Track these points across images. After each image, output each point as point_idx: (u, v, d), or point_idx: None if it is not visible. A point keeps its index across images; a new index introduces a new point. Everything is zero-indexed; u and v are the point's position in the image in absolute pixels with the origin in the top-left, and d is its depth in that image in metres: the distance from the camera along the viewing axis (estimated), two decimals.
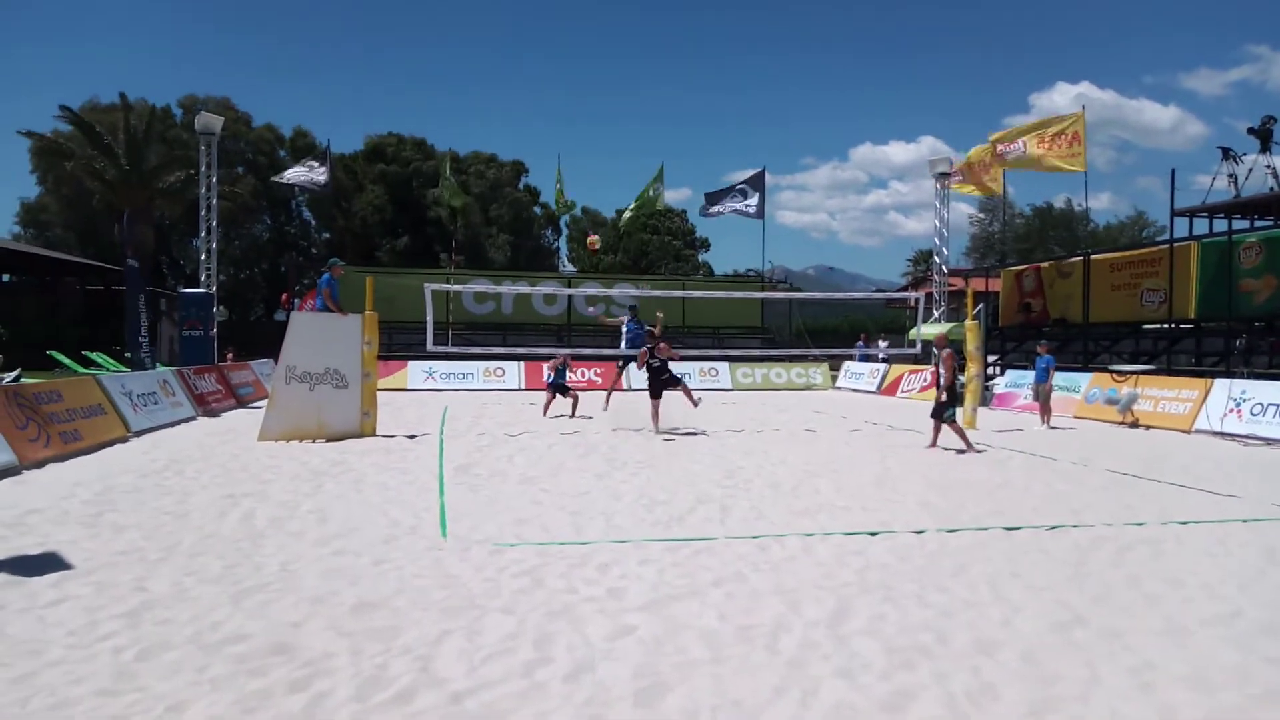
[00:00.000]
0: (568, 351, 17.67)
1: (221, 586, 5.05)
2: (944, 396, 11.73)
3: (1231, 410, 14.09)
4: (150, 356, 16.93)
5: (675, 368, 13.89)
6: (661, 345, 13.69)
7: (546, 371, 16.81)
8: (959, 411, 12.39)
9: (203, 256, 21.63)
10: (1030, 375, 19.29)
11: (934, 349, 12.66)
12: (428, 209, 48.91)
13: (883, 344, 30.96)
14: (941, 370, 11.84)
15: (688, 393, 13.63)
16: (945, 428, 11.81)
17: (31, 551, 5.77)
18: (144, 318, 18.32)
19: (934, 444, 11.93)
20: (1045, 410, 15.37)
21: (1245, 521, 7.34)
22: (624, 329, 17.29)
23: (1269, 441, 12.96)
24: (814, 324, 37.08)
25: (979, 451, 11.46)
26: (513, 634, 4.35)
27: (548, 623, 4.52)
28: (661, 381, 13.36)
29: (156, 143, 37.04)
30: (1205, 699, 3.70)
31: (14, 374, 11.23)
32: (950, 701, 3.63)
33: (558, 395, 16.10)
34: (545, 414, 15.85)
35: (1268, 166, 18.38)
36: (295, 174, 28.47)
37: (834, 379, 28.32)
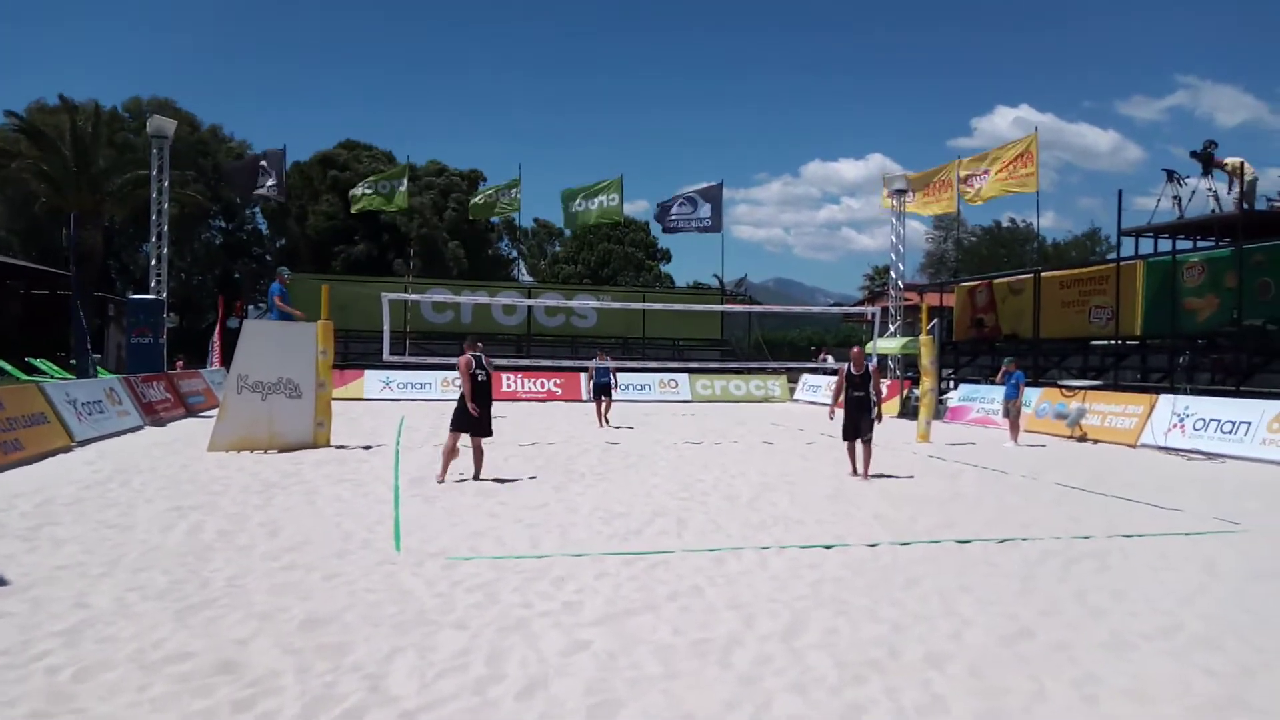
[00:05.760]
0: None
1: (165, 603, 4.92)
2: (876, 413, 10.61)
3: (1175, 425, 14.48)
4: (92, 364, 16.45)
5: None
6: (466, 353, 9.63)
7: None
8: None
9: (153, 262, 21.13)
10: (987, 390, 19.67)
11: (851, 359, 10.81)
12: (383, 216, 48.26)
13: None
14: (871, 385, 10.53)
15: (478, 456, 9.83)
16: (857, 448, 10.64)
17: None
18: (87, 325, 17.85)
19: (856, 470, 10.65)
20: (1015, 427, 15.06)
21: (1187, 535, 7.55)
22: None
23: (1210, 456, 13.34)
24: (771, 336, 37.38)
25: (867, 479, 10.32)
26: (465, 650, 4.30)
27: (501, 638, 4.48)
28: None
29: (105, 145, 36.18)
30: (1146, 710, 3.79)
31: None
32: (900, 715, 3.67)
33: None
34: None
35: (1209, 189, 19.00)
36: (252, 184, 28.21)
37: (792, 391, 28.58)
